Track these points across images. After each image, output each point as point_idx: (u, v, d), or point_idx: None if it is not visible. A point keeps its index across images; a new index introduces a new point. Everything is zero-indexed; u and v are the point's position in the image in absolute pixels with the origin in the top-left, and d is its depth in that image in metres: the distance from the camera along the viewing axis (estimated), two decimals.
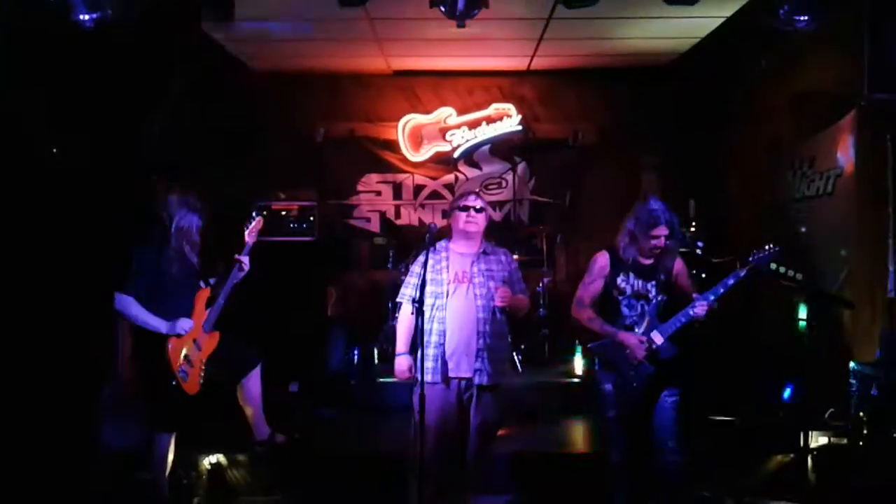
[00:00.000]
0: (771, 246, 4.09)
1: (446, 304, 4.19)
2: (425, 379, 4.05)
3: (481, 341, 4.15)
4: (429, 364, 4.13)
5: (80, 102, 5.67)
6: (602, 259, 4.28)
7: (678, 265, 4.28)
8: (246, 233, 4.82)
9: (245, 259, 4.73)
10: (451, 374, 4.17)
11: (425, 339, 4.11)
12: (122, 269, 4.34)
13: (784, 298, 5.67)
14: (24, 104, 5.03)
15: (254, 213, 4.90)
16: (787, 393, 5.11)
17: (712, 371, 5.41)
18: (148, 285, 4.33)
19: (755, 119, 6.95)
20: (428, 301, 4.13)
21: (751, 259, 4.08)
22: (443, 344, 4.17)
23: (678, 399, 4.16)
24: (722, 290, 4.05)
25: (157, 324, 4.37)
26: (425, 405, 3.94)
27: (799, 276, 4.24)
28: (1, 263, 3.93)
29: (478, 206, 4.26)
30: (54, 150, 5.51)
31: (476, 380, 4.15)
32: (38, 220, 4.43)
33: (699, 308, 4.04)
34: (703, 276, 5.72)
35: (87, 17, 4.71)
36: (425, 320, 4.09)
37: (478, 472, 4.22)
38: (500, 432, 4.42)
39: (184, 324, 4.44)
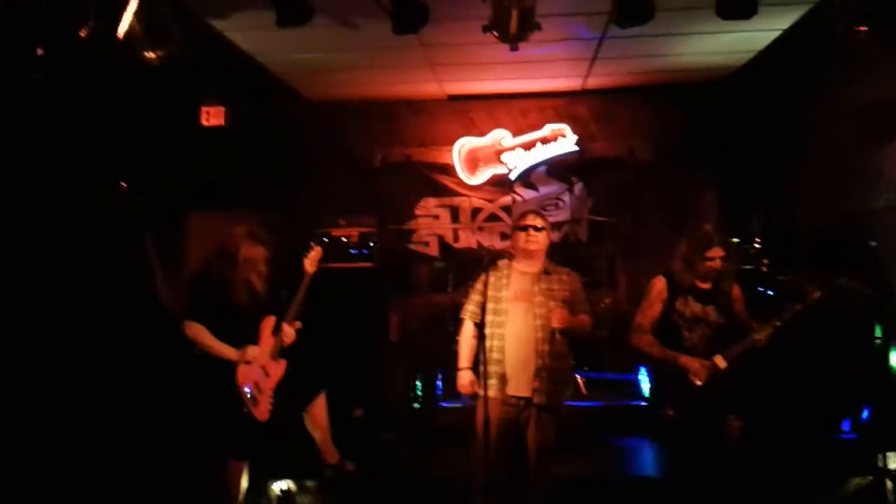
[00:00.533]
0: (834, 282, 4.00)
1: (506, 322, 4.20)
2: (488, 395, 4.05)
3: (539, 361, 4.14)
4: (490, 381, 4.12)
5: (146, 136, 5.88)
6: (659, 284, 4.25)
7: (735, 290, 4.22)
8: (306, 262, 4.90)
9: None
10: (509, 393, 4.16)
11: (487, 356, 4.11)
12: (192, 298, 4.45)
13: (856, 315, 5.51)
14: (99, 137, 5.24)
15: (311, 243, 4.99)
16: (864, 414, 4.94)
17: (782, 393, 5.27)
18: (216, 314, 4.43)
19: (817, 132, 6.80)
20: (488, 319, 4.14)
21: (819, 294, 3.98)
22: (502, 361, 4.17)
23: (743, 423, 4.07)
24: (788, 317, 3.97)
25: (227, 351, 4.46)
26: (488, 424, 3.94)
27: (870, 292, 4.12)
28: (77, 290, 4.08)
29: (538, 225, 4.27)
30: (123, 185, 5.71)
31: (535, 398, 4.14)
32: (113, 249, 4.60)
33: (762, 333, 3.97)
34: (771, 293, 5.60)
35: (152, 54, 4.88)
36: (487, 338, 4.10)
37: (538, 494, 4.19)
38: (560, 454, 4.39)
39: (252, 351, 4.52)
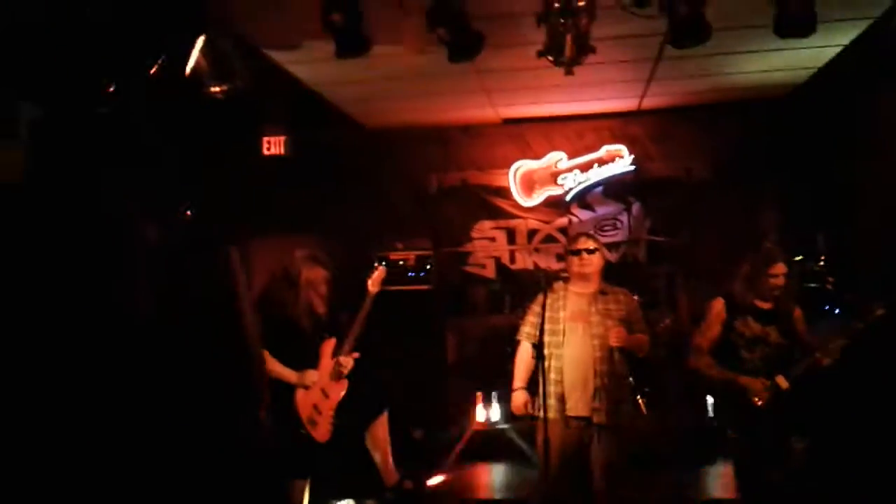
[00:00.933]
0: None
1: (563, 342, 4.20)
2: (547, 416, 4.05)
3: (598, 380, 4.14)
4: (549, 402, 4.12)
5: (212, 165, 6.06)
6: (718, 305, 4.22)
7: (797, 311, 4.17)
8: (369, 282, 4.98)
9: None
10: (568, 413, 4.16)
11: (544, 377, 4.12)
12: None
13: None
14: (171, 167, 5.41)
15: (375, 263, 5.07)
16: None
17: (848, 414, 5.13)
18: (278, 337, 4.52)
19: (882, 148, 6.65)
20: (546, 339, 4.15)
21: (883, 313, 3.89)
22: (560, 382, 4.18)
23: (808, 446, 4.00)
24: (853, 336, 3.89)
25: (288, 374, 4.56)
26: (548, 446, 3.94)
27: None
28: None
29: (590, 248, 4.28)
30: (188, 212, 5.90)
31: (594, 419, 4.13)
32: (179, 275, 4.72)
33: (824, 353, 3.90)
34: (837, 312, 5.47)
35: (217, 88, 5.03)
36: (545, 358, 4.11)
37: None
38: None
39: (311, 375, 4.61)
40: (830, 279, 4.27)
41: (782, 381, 3.98)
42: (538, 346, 4.07)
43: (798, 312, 4.17)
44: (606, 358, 4.16)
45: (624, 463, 4.22)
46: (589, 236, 4.40)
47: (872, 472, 4.84)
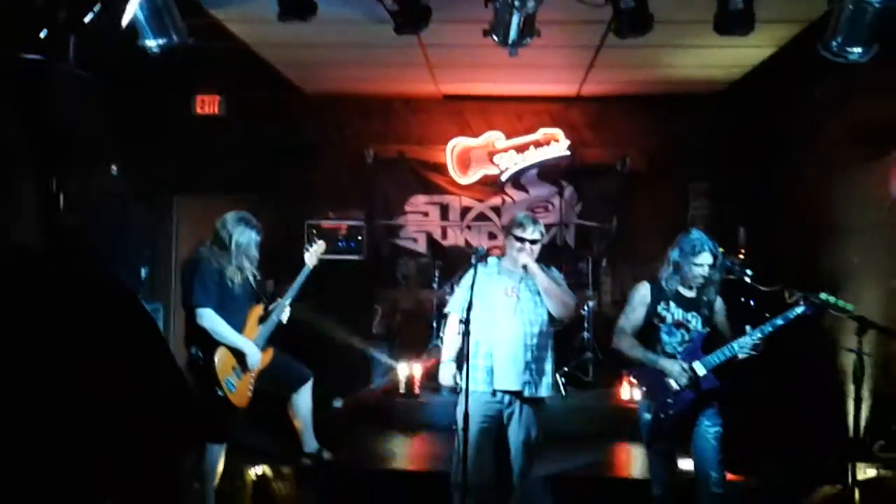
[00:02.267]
0: (816, 297, 4.06)
1: (494, 318, 4.25)
2: (471, 389, 4.09)
3: (529, 354, 4.20)
4: (476, 375, 4.18)
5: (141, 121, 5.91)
6: (643, 289, 4.30)
7: (719, 302, 4.29)
8: (307, 255, 4.93)
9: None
10: (496, 387, 4.21)
11: (472, 351, 4.16)
12: (195, 284, 4.43)
13: (834, 329, 5.61)
14: (89, 119, 5.25)
15: (316, 238, 5.00)
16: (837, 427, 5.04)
17: (759, 402, 5.35)
18: (216, 298, 4.42)
19: (808, 148, 6.91)
20: (476, 314, 4.18)
21: (801, 308, 4.04)
22: (490, 355, 4.22)
23: (721, 430, 4.14)
24: (770, 330, 4.04)
25: (242, 342, 4.51)
26: (468, 419, 4.00)
27: (850, 307, 4.20)
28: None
29: (536, 239, 4.29)
30: (112, 166, 5.73)
31: (526, 392, 4.19)
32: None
33: (744, 345, 4.04)
34: (752, 303, 5.67)
35: (153, 42, 4.89)
36: (473, 333, 4.13)
37: (520, 492, 4.25)
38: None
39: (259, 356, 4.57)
40: (749, 272, 4.39)
41: (699, 368, 4.11)
42: (466, 321, 4.10)
43: (719, 304, 4.30)
44: (536, 333, 4.24)
45: (540, 439, 4.32)
46: (535, 222, 4.36)
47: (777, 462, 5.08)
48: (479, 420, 4.15)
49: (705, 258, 4.15)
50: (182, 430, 1.27)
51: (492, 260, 4.44)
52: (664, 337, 4.21)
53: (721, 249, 4.52)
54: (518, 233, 4.29)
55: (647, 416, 4.20)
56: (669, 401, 4.12)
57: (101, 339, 1.17)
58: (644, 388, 4.27)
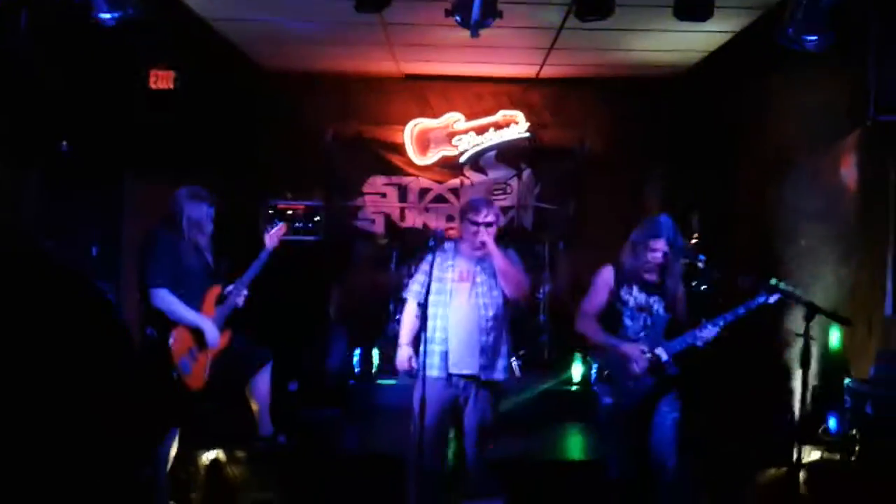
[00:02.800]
0: (766, 282, 4.12)
1: (450, 302, 4.25)
2: (428, 374, 4.10)
3: (484, 338, 4.22)
4: (432, 360, 4.17)
5: (90, 96, 5.74)
6: (606, 272, 4.28)
7: (681, 290, 4.29)
8: (266, 237, 4.86)
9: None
10: (451, 371, 4.22)
11: (429, 335, 4.14)
12: (150, 263, 4.34)
13: (782, 314, 5.72)
14: (42, 95, 5.10)
15: (276, 220, 4.93)
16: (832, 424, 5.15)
17: (707, 385, 5.45)
18: (172, 278, 4.34)
19: (761, 134, 7.01)
20: (433, 299, 4.17)
21: (763, 298, 4.09)
22: (446, 340, 4.22)
23: (679, 416, 4.18)
24: (731, 319, 4.08)
25: (201, 321, 4.43)
26: (425, 403, 4.00)
27: (799, 292, 4.27)
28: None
29: (489, 222, 4.27)
30: (63, 143, 5.58)
31: (482, 376, 4.21)
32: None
33: (707, 332, 4.06)
34: (703, 288, 5.76)
35: (108, 15, 4.77)
36: (429, 317, 4.13)
37: (475, 475, 4.27)
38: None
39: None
40: (702, 257, 4.44)
41: (662, 353, 4.12)
42: (423, 306, 4.10)
43: (680, 293, 4.30)
44: (491, 317, 4.25)
45: (496, 422, 4.34)
46: (489, 205, 4.36)
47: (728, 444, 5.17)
48: (435, 404, 4.15)
49: (660, 245, 4.17)
50: (147, 430, 1.25)
51: (448, 244, 4.44)
52: (626, 321, 4.21)
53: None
54: (472, 216, 4.27)
55: (608, 399, 4.21)
56: (630, 385, 4.13)
57: (66, 338, 1.14)
58: (605, 372, 4.28)
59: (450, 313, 4.24)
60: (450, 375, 4.22)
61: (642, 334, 4.20)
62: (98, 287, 1.26)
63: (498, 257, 4.23)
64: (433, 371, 4.16)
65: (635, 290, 4.23)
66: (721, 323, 4.07)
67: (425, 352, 4.11)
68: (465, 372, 4.21)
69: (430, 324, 4.14)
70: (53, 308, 1.17)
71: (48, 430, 1.09)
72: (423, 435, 4.00)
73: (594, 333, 4.23)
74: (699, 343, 4.09)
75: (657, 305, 4.22)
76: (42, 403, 1.09)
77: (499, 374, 4.29)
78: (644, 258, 4.18)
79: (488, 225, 4.27)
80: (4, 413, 1.05)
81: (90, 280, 1.24)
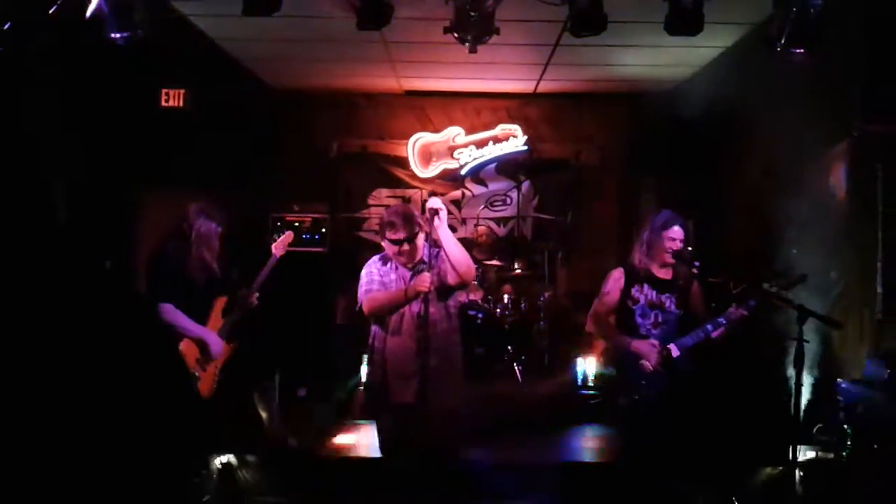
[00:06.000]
0: (759, 288, 4.24)
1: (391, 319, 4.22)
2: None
3: (432, 360, 4.05)
4: (375, 386, 4.26)
5: (105, 115, 5.91)
6: (616, 273, 4.39)
7: (696, 286, 4.37)
8: (273, 246, 4.99)
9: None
10: (394, 402, 4.18)
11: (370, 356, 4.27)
12: (156, 279, 4.48)
13: (776, 317, 5.85)
14: (44, 113, 5.24)
15: (281, 228, 5.01)
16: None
17: (708, 388, 5.56)
18: (178, 292, 4.47)
19: (752, 144, 7.14)
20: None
21: (751, 303, 4.22)
22: (385, 368, 4.22)
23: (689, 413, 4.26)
24: (746, 311, 4.19)
25: (204, 333, 4.56)
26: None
27: (791, 297, 4.41)
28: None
29: (400, 238, 4.11)
30: (77, 160, 5.74)
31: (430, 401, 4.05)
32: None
33: (718, 329, 4.15)
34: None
35: (118, 35, 4.92)
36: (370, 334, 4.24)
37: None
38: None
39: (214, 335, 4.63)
40: (696, 264, 4.58)
41: (674, 350, 4.21)
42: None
43: (696, 288, 4.39)
44: (433, 325, 4.10)
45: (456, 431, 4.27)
46: (404, 220, 4.10)
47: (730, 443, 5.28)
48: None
49: (676, 232, 4.27)
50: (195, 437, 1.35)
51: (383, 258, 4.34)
52: (638, 319, 4.29)
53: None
54: (388, 234, 4.14)
55: (622, 400, 4.27)
56: (643, 382, 4.20)
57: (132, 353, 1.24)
58: (617, 371, 4.35)
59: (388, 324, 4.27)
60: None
61: (654, 331, 4.27)
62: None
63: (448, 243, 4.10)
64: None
65: (646, 287, 4.31)
66: (723, 321, 4.17)
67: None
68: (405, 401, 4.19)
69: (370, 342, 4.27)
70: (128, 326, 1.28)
71: (132, 444, 1.19)
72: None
73: (606, 332, 4.32)
74: (711, 341, 4.15)
75: (669, 302, 4.29)
76: (120, 415, 1.19)
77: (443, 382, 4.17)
78: (662, 251, 4.24)
79: (402, 242, 4.11)
80: (84, 420, 1.15)
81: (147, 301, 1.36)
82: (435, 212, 3.99)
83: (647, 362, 4.18)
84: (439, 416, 4.07)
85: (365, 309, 4.24)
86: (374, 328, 4.29)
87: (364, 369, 4.27)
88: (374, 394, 4.25)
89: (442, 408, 4.08)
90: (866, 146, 5.41)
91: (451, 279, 4.13)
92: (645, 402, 4.21)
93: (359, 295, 4.26)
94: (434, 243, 4.06)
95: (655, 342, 4.19)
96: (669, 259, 4.27)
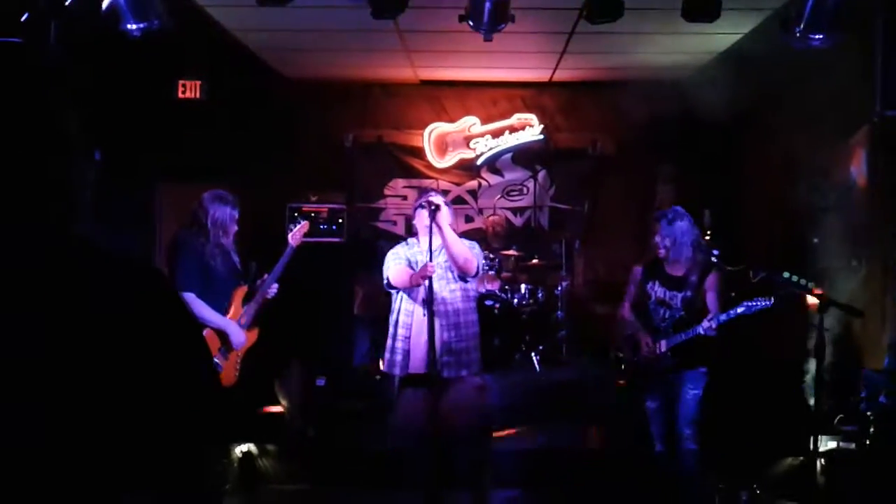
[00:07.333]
0: (779, 275, 4.31)
1: (413, 297, 4.34)
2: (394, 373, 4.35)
3: (445, 334, 4.24)
4: (397, 358, 4.33)
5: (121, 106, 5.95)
6: (635, 271, 4.70)
7: (711, 280, 4.45)
8: (290, 236, 5.01)
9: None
10: (411, 371, 4.28)
11: (391, 331, 4.36)
12: (178, 268, 4.45)
13: (797, 307, 5.82)
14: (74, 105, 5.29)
15: (298, 218, 5.03)
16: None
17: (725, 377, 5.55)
18: (199, 281, 4.44)
19: (771, 132, 7.10)
20: (396, 294, 4.34)
21: (759, 303, 4.24)
22: (408, 338, 4.30)
23: (700, 394, 4.39)
24: (733, 315, 4.25)
25: (224, 323, 4.57)
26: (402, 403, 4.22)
27: (811, 285, 4.40)
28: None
29: (435, 203, 4.22)
30: (95, 152, 5.79)
31: (444, 373, 4.22)
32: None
33: (706, 327, 4.27)
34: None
35: (134, 27, 4.94)
36: (391, 311, 4.36)
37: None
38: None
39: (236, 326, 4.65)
40: (716, 252, 4.61)
41: (662, 345, 4.45)
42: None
43: (711, 281, 4.45)
44: (451, 311, 4.30)
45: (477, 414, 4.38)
46: (433, 191, 4.48)
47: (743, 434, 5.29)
48: (409, 402, 4.36)
49: (660, 237, 4.49)
50: (217, 424, 1.32)
51: (412, 239, 4.55)
52: (651, 313, 4.56)
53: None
54: (422, 199, 4.34)
55: (651, 404, 4.55)
56: (635, 359, 4.61)
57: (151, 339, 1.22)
58: (620, 355, 4.74)
59: (414, 308, 4.40)
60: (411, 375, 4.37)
61: (663, 325, 4.50)
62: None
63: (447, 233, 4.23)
64: (397, 369, 4.38)
65: (657, 285, 4.53)
66: (723, 318, 4.26)
67: (393, 346, 4.41)
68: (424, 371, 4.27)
69: (391, 318, 4.44)
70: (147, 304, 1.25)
71: (144, 428, 1.17)
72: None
73: (624, 323, 4.67)
74: (701, 336, 4.32)
75: (675, 301, 4.47)
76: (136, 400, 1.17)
77: (462, 367, 4.32)
78: (675, 242, 4.44)
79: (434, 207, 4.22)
80: (99, 405, 1.13)
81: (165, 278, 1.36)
82: (436, 207, 4.13)
83: (642, 351, 4.55)
84: (453, 389, 4.25)
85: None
86: (394, 301, 4.45)
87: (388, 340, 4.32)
88: (391, 363, 4.39)
89: (457, 383, 4.26)
90: (886, 133, 5.38)
91: (455, 271, 4.31)
92: (635, 385, 4.68)
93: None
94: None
95: (650, 339, 4.48)
96: (686, 253, 4.48)
